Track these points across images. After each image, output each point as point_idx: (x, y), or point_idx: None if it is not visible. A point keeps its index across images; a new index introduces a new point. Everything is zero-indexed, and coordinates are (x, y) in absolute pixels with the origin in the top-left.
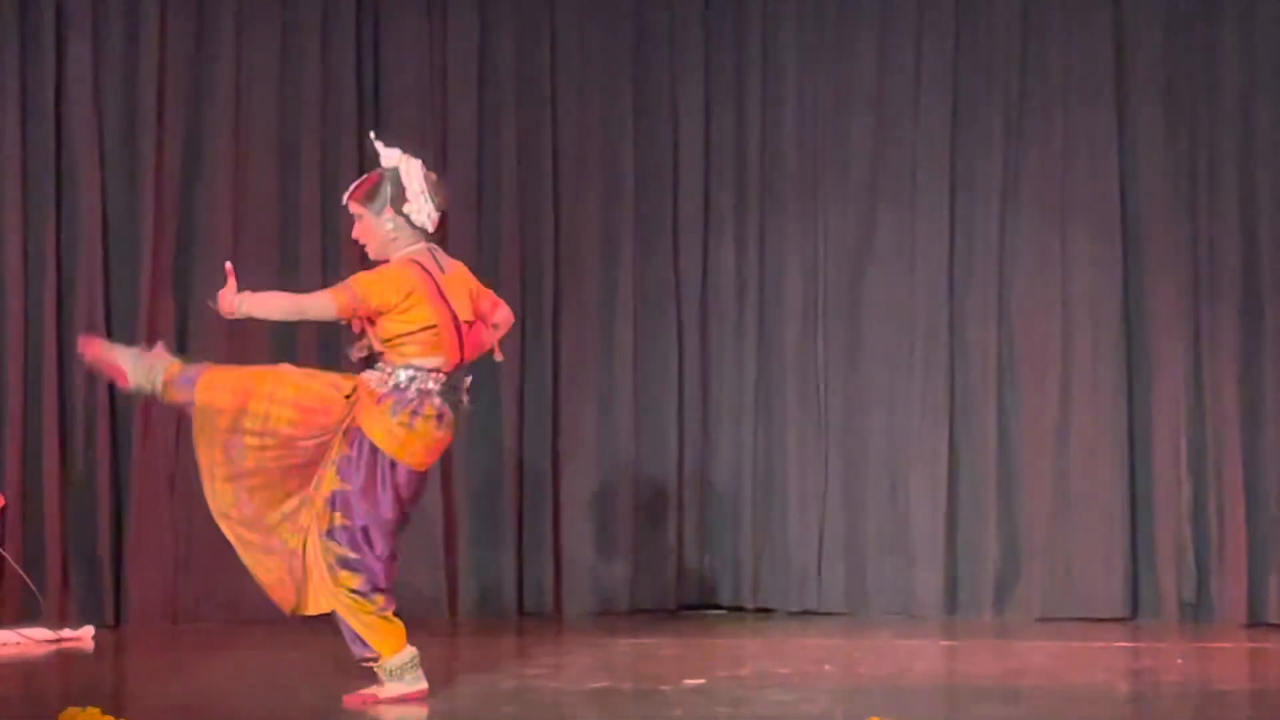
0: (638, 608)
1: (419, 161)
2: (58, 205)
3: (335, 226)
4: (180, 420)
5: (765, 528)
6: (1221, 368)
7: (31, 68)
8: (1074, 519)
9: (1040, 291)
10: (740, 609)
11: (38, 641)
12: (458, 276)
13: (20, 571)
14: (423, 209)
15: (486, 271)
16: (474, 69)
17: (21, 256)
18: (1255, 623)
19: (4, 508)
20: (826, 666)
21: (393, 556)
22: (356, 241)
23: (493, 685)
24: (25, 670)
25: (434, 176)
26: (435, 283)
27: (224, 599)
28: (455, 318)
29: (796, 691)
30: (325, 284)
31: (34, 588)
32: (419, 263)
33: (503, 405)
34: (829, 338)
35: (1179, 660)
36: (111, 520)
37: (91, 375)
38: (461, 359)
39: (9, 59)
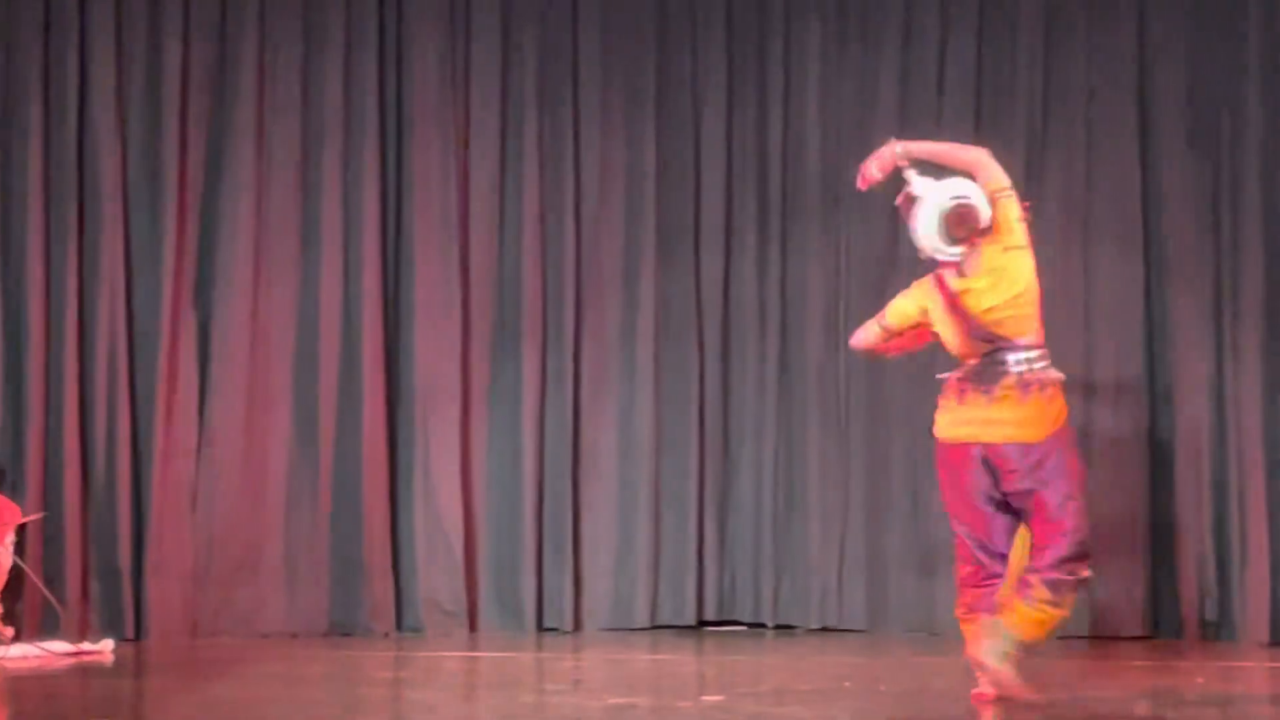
0: (658, 624)
1: (939, 197)
2: (80, 221)
3: (356, 240)
4: (201, 435)
5: (786, 544)
6: (1244, 383)
7: (54, 88)
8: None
9: (1058, 306)
10: (761, 625)
11: (58, 654)
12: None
13: (41, 585)
14: (922, 245)
15: (509, 285)
16: (496, 84)
17: (44, 273)
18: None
19: (24, 524)
20: (846, 684)
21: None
22: None
23: (512, 700)
24: (45, 683)
25: (958, 207)
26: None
27: (242, 613)
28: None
29: (816, 709)
30: (345, 294)
31: (54, 601)
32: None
33: (523, 420)
34: (850, 353)
35: (1199, 679)
36: (132, 535)
37: (112, 391)
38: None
39: (32, 78)
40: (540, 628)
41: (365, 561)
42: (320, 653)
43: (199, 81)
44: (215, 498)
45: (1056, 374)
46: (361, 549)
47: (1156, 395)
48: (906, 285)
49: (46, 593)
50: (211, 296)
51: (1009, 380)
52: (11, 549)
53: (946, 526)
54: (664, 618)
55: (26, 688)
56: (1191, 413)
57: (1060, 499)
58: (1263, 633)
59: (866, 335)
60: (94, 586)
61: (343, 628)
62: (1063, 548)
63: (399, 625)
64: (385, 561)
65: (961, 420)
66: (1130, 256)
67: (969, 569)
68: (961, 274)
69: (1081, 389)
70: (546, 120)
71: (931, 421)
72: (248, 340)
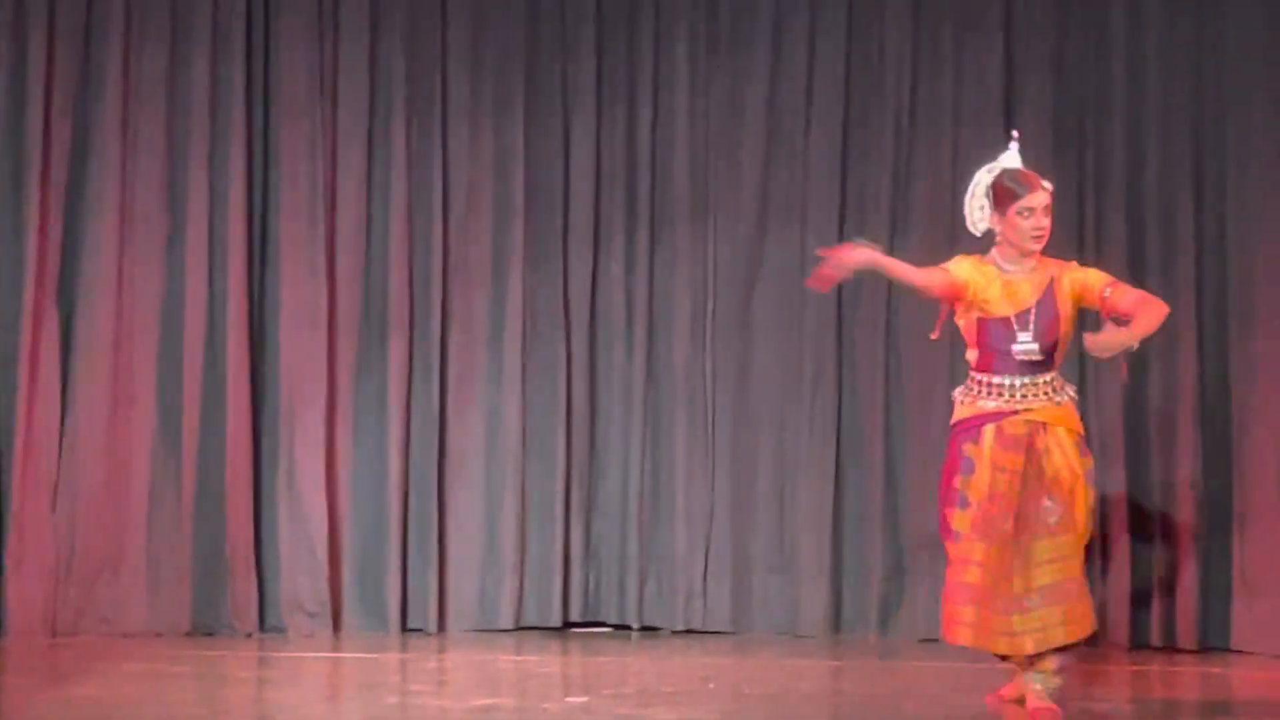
0: (523, 625)
1: (992, 168)
2: None
3: (221, 236)
4: (63, 431)
5: (652, 546)
6: (1106, 384)
7: None
8: None
9: (917, 314)
10: (626, 627)
11: None
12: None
13: None
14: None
15: (375, 285)
16: (364, 84)
17: None
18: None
19: None
20: (710, 685)
21: None
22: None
23: (375, 701)
24: None
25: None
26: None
27: (103, 612)
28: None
29: (681, 709)
30: (210, 290)
31: None
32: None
33: (389, 421)
34: (717, 357)
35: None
36: None
37: None
38: None
39: None
40: (404, 628)
41: (228, 561)
42: (182, 652)
43: (63, 73)
44: (77, 495)
45: None
46: (224, 548)
47: None
48: (773, 289)
49: None
50: (74, 291)
51: None
52: None
53: (811, 529)
54: (529, 619)
55: None
56: None
57: None
58: (1124, 636)
59: None
60: None
61: (205, 627)
62: None
63: (262, 625)
64: (248, 561)
65: None
66: None
67: None
68: None
69: (947, 392)
70: (415, 120)
71: (791, 426)
72: (111, 336)
